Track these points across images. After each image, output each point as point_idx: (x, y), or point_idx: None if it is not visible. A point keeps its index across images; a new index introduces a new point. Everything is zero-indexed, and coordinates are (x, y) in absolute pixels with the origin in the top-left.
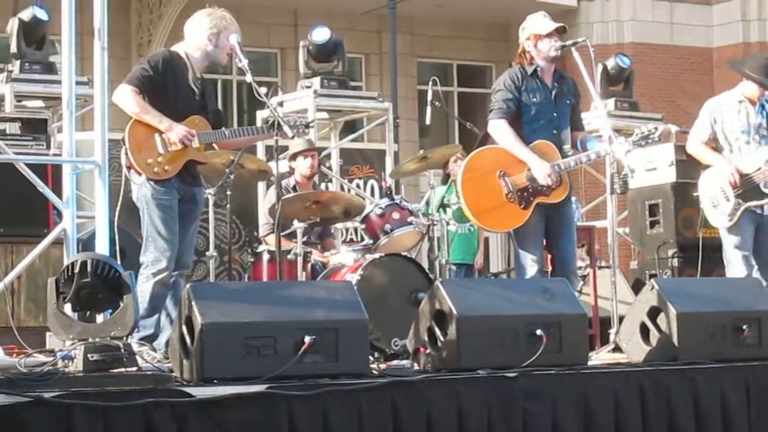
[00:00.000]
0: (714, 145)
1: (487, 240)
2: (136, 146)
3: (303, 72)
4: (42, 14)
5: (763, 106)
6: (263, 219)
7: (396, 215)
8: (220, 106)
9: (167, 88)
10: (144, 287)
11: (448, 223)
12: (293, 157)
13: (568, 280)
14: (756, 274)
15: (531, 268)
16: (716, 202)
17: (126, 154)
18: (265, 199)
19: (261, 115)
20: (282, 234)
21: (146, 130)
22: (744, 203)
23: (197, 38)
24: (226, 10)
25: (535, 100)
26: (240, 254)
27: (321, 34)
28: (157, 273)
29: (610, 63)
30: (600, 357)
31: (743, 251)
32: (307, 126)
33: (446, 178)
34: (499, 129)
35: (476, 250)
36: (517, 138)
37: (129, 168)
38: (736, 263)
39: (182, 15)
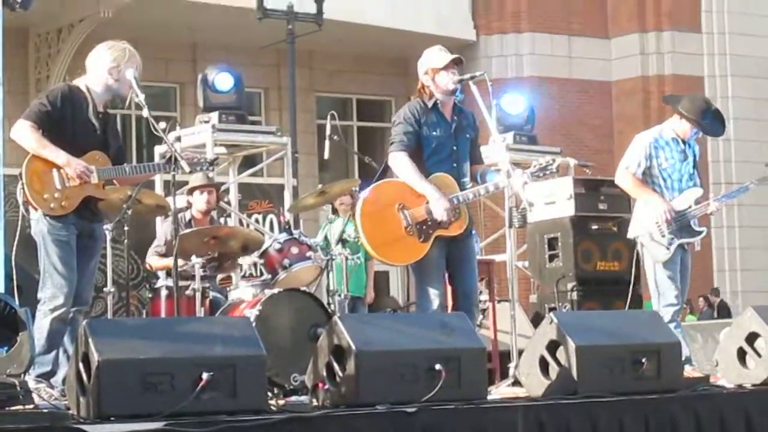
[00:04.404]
0: (644, 179)
1: (386, 274)
2: (33, 181)
3: (202, 106)
4: None
5: (690, 145)
6: (155, 242)
7: (294, 250)
8: None
9: (66, 123)
10: (41, 323)
11: (347, 258)
12: (191, 191)
13: (470, 313)
14: (679, 306)
15: (432, 302)
16: (654, 237)
17: (22, 189)
18: (162, 227)
19: (159, 150)
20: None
21: (43, 166)
22: (677, 239)
23: (98, 72)
24: (128, 44)
25: (435, 133)
26: (138, 290)
27: (225, 82)
28: (54, 309)
29: (503, 102)
30: (499, 391)
31: (675, 284)
32: (212, 164)
33: (335, 212)
34: (399, 161)
35: (364, 283)
36: (416, 171)
37: (26, 203)
38: (669, 296)
39: (80, 50)
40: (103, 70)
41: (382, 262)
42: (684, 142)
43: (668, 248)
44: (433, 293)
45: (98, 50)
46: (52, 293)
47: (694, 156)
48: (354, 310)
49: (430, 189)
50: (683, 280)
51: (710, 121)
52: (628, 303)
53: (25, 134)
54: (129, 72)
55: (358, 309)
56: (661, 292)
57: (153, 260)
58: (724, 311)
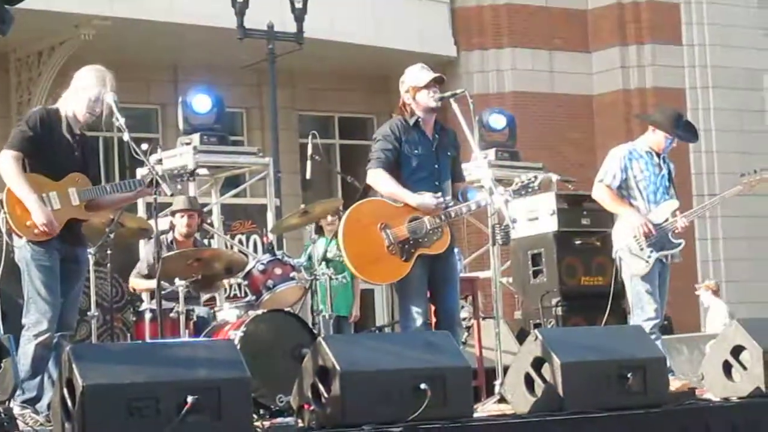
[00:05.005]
0: (619, 192)
1: (371, 293)
2: (15, 209)
3: (182, 128)
4: None
5: (664, 160)
6: (138, 264)
7: (278, 271)
8: (102, 163)
9: (45, 146)
10: (26, 349)
11: (331, 278)
12: (173, 213)
13: (452, 331)
14: (659, 320)
15: (415, 320)
16: (633, 251)
17: (5, 218)
18: (145, 248)
19: (141, 172)
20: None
21: None
22: (656, 252)
23: (70, 94)
24: (104, 68)
25: (416, 152)
26: (122, 313)
27: (202, 104)
28: (38, 334)
29: (485, 119)
30: (485, 409)
31: (654, 297)
32: (192, 174)
33: (319, 230)
34: (378, 177)
35: (351, 302)
36: (395, 182)
37: (9, 231)
38: (648, 310)
39: (61, 73)
40: (73, 92)
41: (364, 281)
42: (658, 156)
43: (647, 261)
44: (416, 312)
45: (79, 72)
46: (36, 319)
47: (669, 171)
48: (339, 330)
49: (411, 194)
50: (662, 295)
51: (682, 129)
52: (605, 318)
53: (7, 167)
54: (109, 96)
55: (343, 329)
56: (641, 306)
57: (136, 282)
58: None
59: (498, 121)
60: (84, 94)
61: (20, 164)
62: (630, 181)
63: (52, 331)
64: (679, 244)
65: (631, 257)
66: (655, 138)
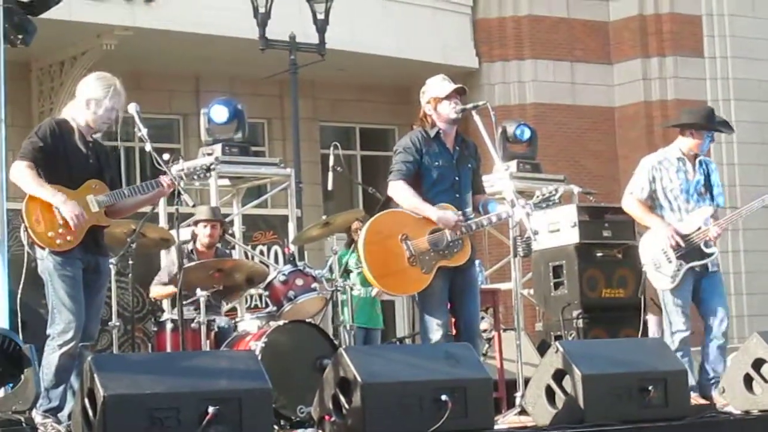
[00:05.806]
0: (650, 203)
1: (392, 304)
2: (36, 221)
3: (204, 139)
4: None
5: (701, 163)
6: (159, 274)
7: (299, 281)
8: (123, 173)
9: (59, 156)
10: (50, 358)
11: (352, 288)
12: (195, 223)
13: (472, 343)
14: (687, 333)
15: (436, 332)
16: (658, 264)
17: (26, 231)
18: (167, 257)
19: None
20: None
21: (42, 203)
22: (686, 264)
23: (80, 102)
24: (110, 75)
25: (437, 163)
26: (144, 323)
27: (220, 114)
28: (63, 344)
29: (510, 130)
30: (506, 420)
31: (685, 310)
32: (209, 169)
33: (351, 243)
34: (399, 189)
35: (378, 314)
36: (416, 195)
37: (31, 244)
38: (677, 323)
39: None
40: (83, 101)
41: (384, 292)
42: (694, 159)
43: (672, 277)
44: (437, 323)
45: (85, 80)
46: (61, 328)
47: (707, 173)
48: (368, 342)
49: (432, 210)
50: (711, 303)
51: (717, 122)
52: (640, 331)
53: (23, 175)
54: (131, 106)
55: (372, 341)
56: (670, 320)
57: (155, 289)
58: None
59: (524, 132)
60: (97, 103)
61: (36, 172)
62: (658, 191)
63: (77, 341)
64: (712, 253)
65: (655, 274)
66: (692, 141)
